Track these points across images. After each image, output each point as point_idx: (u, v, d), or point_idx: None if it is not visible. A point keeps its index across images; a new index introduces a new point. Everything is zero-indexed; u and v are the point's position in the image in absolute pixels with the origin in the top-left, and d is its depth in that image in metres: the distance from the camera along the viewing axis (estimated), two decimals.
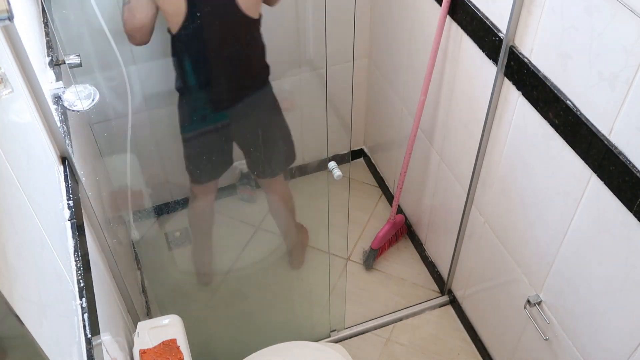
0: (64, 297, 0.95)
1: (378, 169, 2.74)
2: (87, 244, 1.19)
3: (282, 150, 2.16)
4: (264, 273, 2.44)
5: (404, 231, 2.54)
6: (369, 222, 2.62)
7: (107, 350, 1.13)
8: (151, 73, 2.16)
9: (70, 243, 1.10)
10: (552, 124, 1.39)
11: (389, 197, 2.66)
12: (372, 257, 2.44)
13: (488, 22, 1.53)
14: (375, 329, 2.26)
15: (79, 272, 1.07)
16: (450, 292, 2.31)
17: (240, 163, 2.48)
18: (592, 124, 1.26)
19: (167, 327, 1.48)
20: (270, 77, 2.00)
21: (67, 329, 0.92)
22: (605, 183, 1.26)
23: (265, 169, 2.19)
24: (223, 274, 2.44)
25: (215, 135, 2.05)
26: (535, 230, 1.59)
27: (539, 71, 1.40)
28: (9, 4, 0.76)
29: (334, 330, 2.22)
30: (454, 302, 2.30)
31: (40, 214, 0.93)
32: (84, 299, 1.03)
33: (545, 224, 1.53)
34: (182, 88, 1.94)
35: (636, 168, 1.17)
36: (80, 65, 1.45)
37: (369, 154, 2.81)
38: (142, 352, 1.42)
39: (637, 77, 1.12)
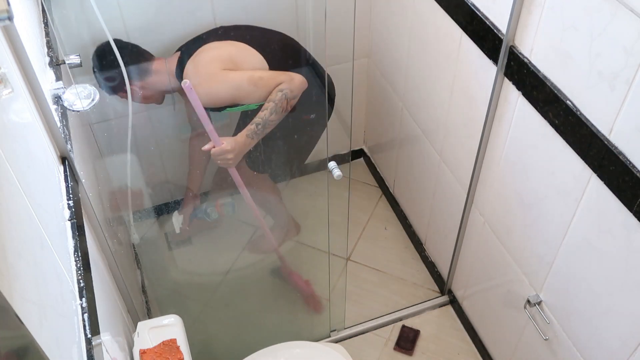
0: (64, 297, 0.95)
1: (378, 169, 2.74)
2: (87, 244, 1.19)
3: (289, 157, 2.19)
4: (264, 273, 2.44)
5: (312, 306, 2.33)
6: (369, 222, 2.62)
7: (107, 350, 1.13)
8: None
9: (70, 243, 1.10)
10: (552, 124, 1.39)
11: (389, 197, 2.67)
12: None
13: (488, 22, 1.53)
14: (375, 329, 2.26)
15: (79, 272, 1.07)
16: (450, 292, 2.31)
17: None
18: (592, 124, 1.26)
19: (167, 327, 1.48)
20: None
21: (67, 329, 0.92)
22: (605, 183, 1.26)
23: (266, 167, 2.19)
24: (223, 274, 2.44)
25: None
26: (535, 230, 1.59)
27: (539, 71, 1.40)
28: (9, 4, 0.77)
29: (334, 330, 2.22)
30: (454, 302, 2.30)
31: (40, 214, 0.93)
32: (84, 299, 1.03)
33: (545, 224, 1.53)
34: None
35: (636, 168, 1.17)
36: (80, 65, 1.45)
37: (369, 154, 2.81)
38: (142, 352, 1.42)
39: (637, 77, 1.12)
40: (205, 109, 1.84)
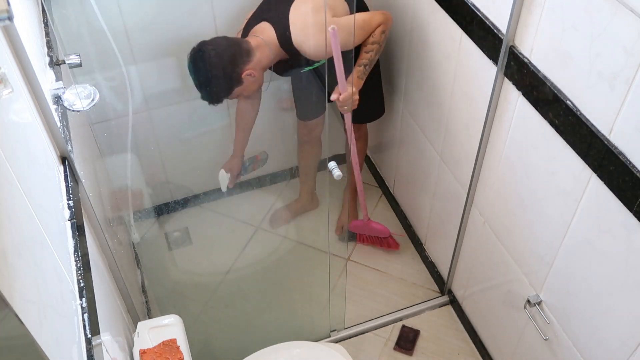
0: (64, 297, 0.95)
1: (378, 169, 2.74)
2: (87, 244, 1.19)
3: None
4: (264, 273, 2.44)
5: (393, 246, 2.48)
6: None
7: (107, 350, 1.13)
8: (151, 73, 2.16)
9: (70, 243, 1.10)
10: (552, 124, 1.39)
11: (389, 197, 2.67)
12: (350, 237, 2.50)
13: (488, 22, 1.53)
14: (375, 329, 2.26)
15: (79, 272, 1.07)
16: (450, 292, 2.31)
17: None
18: (592, 124, 1.26)
19: (167, 327, 1.48)
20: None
21: (67, 329, 0.92)
22: (605, 183, 1.26)
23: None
24: (223, 274, 2.44)
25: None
26: (535, 230, 1.59)
27: (539, 71, 1.40)
28: (9, 4, 0.77)
29: (334, 330, 2.22)
30: (454, 302, 2.30)
31: (40, 214, 0.93)
32: (84, 299, 1.03)
33: (545, 224, 1.53)
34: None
35: (636, 168, 1.17)
36: (80, 65, 1.45)
37: (369, 154, 2.81)
38: (142, 352, 1.42)
39: (637, 77, 1.12)
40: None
